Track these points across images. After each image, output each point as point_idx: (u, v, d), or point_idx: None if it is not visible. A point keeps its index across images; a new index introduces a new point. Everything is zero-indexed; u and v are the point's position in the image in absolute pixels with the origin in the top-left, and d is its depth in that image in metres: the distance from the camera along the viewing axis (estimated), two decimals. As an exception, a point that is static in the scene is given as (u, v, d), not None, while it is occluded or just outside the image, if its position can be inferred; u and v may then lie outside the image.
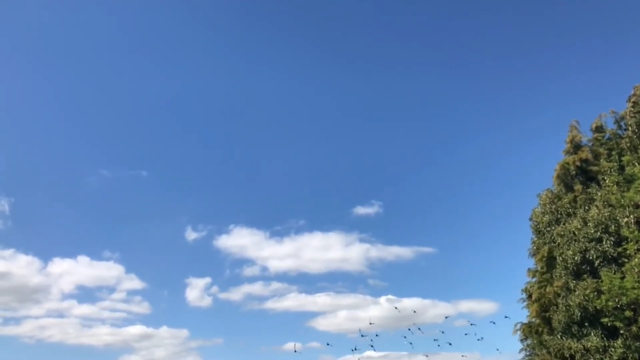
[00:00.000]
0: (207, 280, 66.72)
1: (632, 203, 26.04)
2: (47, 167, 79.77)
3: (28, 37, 79.99)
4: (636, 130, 28.70)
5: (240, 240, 69.20)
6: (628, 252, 25.61)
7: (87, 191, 76.68)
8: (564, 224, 29.69)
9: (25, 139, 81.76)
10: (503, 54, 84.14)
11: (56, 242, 76.74)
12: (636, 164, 27.38)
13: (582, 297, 26.48)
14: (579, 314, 26.69)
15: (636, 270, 24.39)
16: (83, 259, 66.83)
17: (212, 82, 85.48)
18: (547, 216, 31.25)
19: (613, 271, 25.89)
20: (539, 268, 31.40)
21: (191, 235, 70.91)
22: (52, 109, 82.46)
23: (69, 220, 77.75)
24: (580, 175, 31.35)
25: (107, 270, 66.06)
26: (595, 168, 30.71)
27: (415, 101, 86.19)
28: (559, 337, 27.88)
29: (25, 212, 71.76)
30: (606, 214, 27.38)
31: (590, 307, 26.25)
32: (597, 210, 27.85)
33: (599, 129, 32.22)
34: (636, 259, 24.73)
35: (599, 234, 27.35)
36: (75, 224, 76.77)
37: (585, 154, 31.26)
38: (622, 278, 24.77)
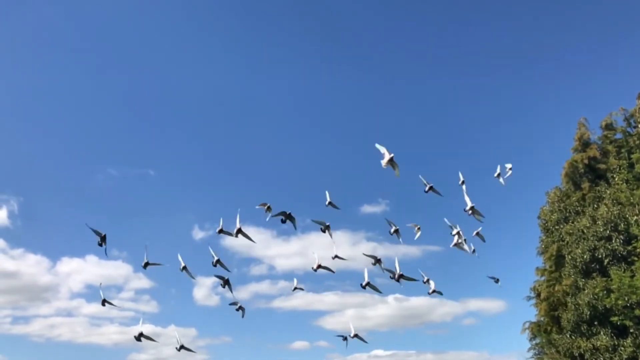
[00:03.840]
0: (215, 279, 66.80)
1: (642, 201, 25.87)
2: (55, 166, 79.86)
3: (32, 35, 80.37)
4: (646, 128, 28.52)
5: (247, 239, 69.27)
6: (638, 250, 25.44)
7: (95, 190, 76.91)
8: (572, 223, 29.50)
9: (33, 138, 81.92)
10: (511, 52, 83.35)
11: (65, 242, 76.73)
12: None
13: (592, 296, 26.29)
14: (588, 312, 26.51)
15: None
16: (91, 258, 67.10)
17: (218, 81, 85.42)
18: (555, 214, 31.06)
19: (622, 270, 25.70)
20: (547, 267, 31.23)
21: (198, 234, 71.13)
22: (59, 107, 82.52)
23: (77, 219, 77.70)
24: (589, 173, 31.13)
25: (115, 270, 66.40)
26: (603, 166, 30.50)
27: (422, 99, 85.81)
28: (568, 336, 27.73)
29: (33, 211, 71.89)
30: (615, 212, 27.17)
31: (599, 306, 26.06)
32: (606, 209, 27.64)
33: (609, 126, 31.90)
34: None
35: (608, 232, 27.14)
36: (83, 223, 76.63)
37: (594, 151, 31.04)
38: (632, 276, 24.63)
